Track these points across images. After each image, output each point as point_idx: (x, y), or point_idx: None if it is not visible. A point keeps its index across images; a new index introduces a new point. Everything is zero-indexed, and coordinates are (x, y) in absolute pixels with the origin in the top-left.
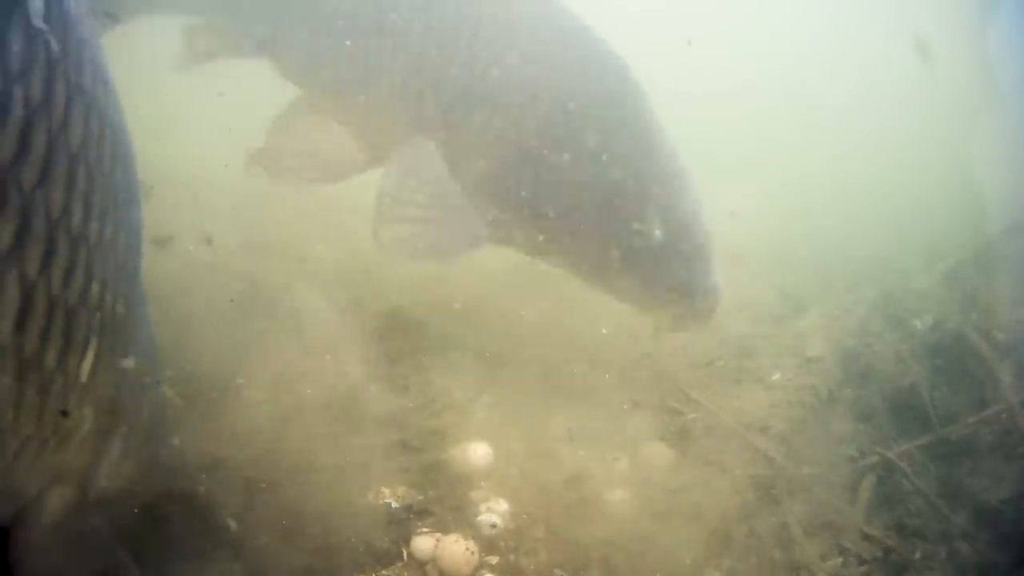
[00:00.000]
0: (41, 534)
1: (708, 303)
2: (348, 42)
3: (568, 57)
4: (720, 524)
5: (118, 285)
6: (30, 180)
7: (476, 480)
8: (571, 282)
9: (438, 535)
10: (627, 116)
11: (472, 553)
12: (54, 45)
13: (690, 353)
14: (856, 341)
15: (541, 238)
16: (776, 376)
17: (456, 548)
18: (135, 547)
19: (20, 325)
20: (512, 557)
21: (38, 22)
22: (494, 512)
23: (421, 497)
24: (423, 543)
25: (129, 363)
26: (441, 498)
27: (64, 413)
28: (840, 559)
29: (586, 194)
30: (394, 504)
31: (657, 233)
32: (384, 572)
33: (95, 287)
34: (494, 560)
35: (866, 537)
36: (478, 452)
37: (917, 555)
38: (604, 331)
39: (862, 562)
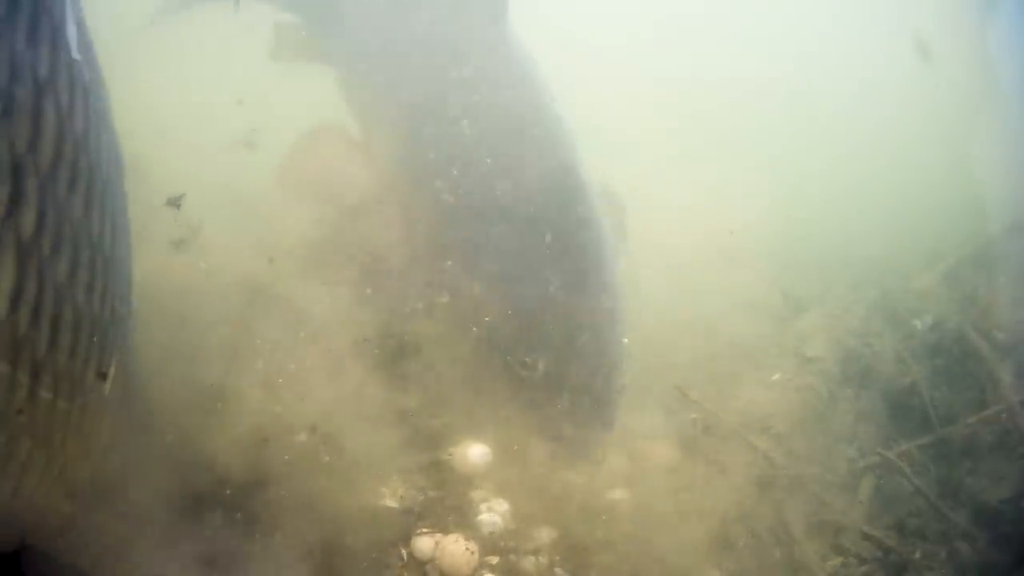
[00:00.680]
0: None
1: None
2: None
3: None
4: (720, 524)
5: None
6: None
7: (476, 480)
8: None
9: (438, 535)
10: None
11: (472, 553)
12: (86, 74)
13: (690, 353)
14: (856, 341)
15: None
16: (776, 376)
17: (456, 548)
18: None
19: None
20: (512, 557)
21: (75, 53)
22: (494, 512)
23: (422, 497)
24: (423, 543)
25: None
26: (441, 498)
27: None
28: (840, 559)
29: None
30: (394, 504)
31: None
32: (384, 572)
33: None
34: (494, 560)
35: (866, 537)
36: (477, 452)
37: (917, 555)
38: None
39: (862, 562)
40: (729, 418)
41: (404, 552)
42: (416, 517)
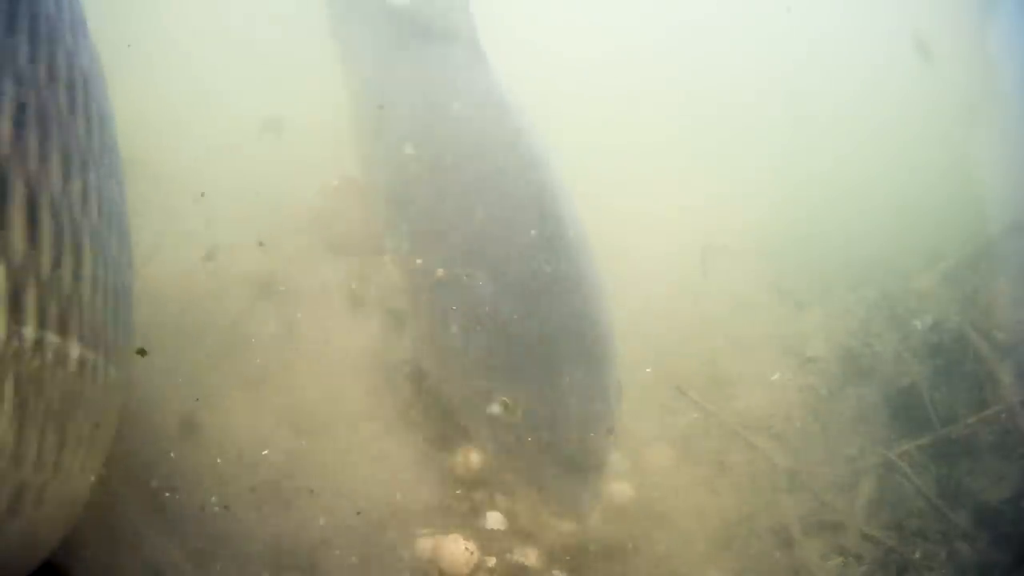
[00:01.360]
0: None
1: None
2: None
3: None
4: (720, 524)
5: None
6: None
7: (476, 480)
8: None
9: (438, 535)
10: None
11: (472, 553)
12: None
13: (690, 353)
14: (856, 341)
15: None
16: (776, 376)
17: (456, 548)
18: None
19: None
20: (511, 557)
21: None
22: (494, 512)
23: (421, 497)
24: (423, 543)
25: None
26: (441, 497)
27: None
28: (840, 559)
29: None
30: (394, 503)
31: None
32: (383, 572)
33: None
34: (493, 561)
35: (866, 537)
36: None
37: (917, 555)
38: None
39: (862, 562)
40: (729, 418)
41: (404, 552)
42: (416, 516)
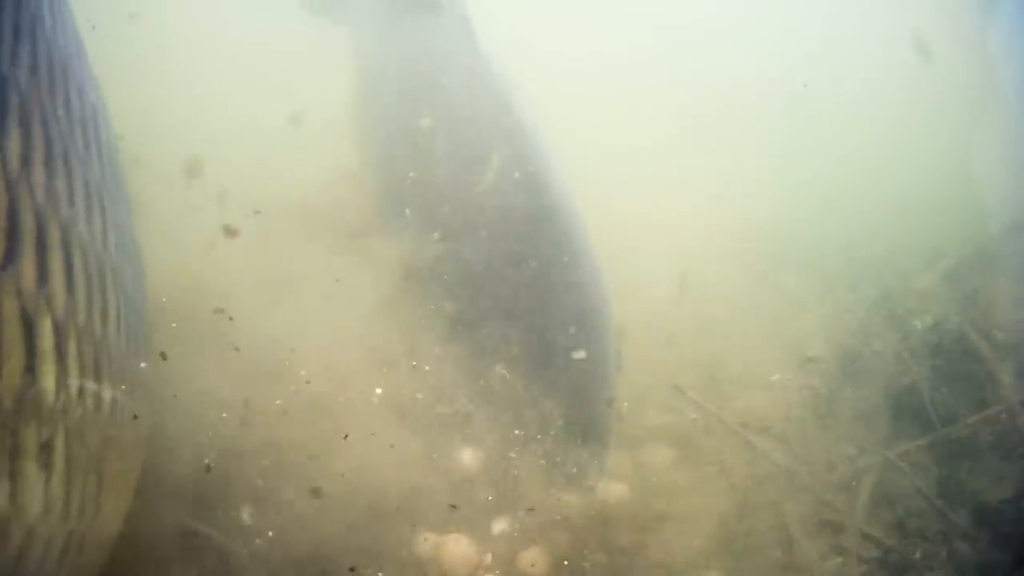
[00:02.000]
0: None
1: None
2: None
3: None
4: (720, 524)
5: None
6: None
7: (476, 480)
8: None
9: (438, 535)
10: None
11: (472, 553)
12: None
13: (690, 353)
14: (856, 341)
15: None
16: (776, 376)
17: (456, 548)
18: None
19: None
20: (511, 557)
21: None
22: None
23: (422, 496)
24: (423, 543)
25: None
26: (442, 498)
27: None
28: (840, 559)
29: None
30: (394, 503)
31: None
32: (383, 571)
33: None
34: (493, 560)
35: (866, 537)
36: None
37: (917, 555)
38: None
39: (862, 562)
40: (729, 418)
41: (404, 552)
42: (416, 516)
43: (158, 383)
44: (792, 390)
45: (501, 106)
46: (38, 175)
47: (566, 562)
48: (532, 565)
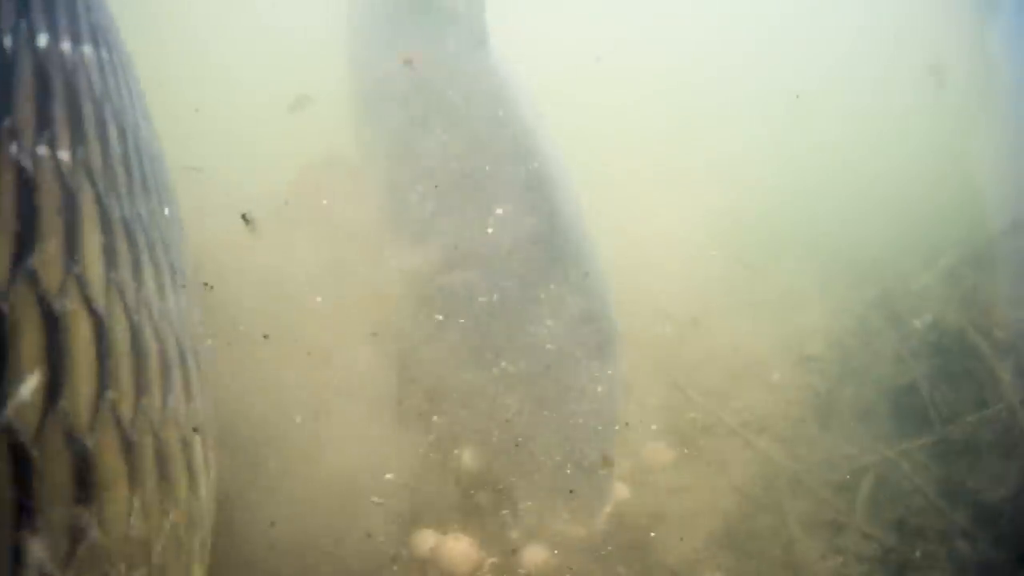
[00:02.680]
0: None
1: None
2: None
3: None
4: (720, 524)
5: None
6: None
7: (476, 479)
8: None
9: (438, 535)
10: None
11: (472, 553)
12: None
13: (690, 353)
14: (856, 340)
15: None
16: (776, 376)
17: (456, 547)
18: None
19: None
20: (511, 557)
21: None
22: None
23: (422, 496)
24: (423, 542)
25: None
26: (442, 497)
27: None
28: (840, 559)
29: None
30: (395, 503)
31: None
32: (384, 571)
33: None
34: (493, 560)
35: (866, 536)
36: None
37: (917, 554)
38: None
39: (862, 561)
40: (729, 418)
41: (404, 551)
42: (416, 516)
43: None
44: (792, 389)
45: (517, 127)
46: (123, 260)
47: (567, 558)
48: (532, 562)
